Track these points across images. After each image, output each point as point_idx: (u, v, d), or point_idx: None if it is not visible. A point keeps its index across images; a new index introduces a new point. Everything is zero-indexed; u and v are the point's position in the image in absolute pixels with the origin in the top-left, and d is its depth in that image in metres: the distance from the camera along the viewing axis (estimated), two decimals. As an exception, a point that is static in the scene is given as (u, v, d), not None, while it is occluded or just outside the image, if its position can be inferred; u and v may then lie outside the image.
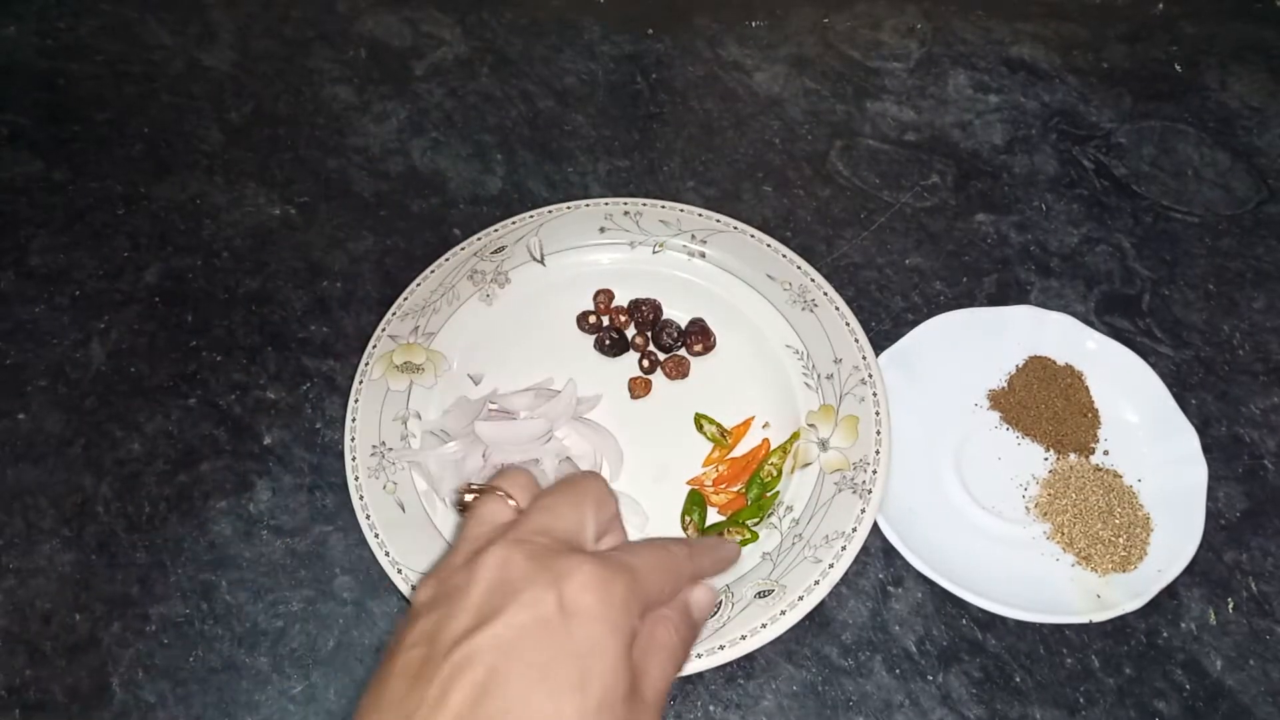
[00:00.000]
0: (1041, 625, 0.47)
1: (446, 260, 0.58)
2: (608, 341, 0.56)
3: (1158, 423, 0.53)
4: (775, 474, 0.51)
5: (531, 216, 0.60)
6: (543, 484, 0.35)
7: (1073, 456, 0.52)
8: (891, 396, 0.51)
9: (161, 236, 0.63)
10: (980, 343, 0.56)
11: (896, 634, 0.47)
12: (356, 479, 0.49)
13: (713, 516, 0.50)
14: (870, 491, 0.47)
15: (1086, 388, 0.55)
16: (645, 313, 0.57)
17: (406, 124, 0.69)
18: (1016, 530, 0.50)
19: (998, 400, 0.55)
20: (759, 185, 0.65)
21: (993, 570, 0.48)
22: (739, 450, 0.52)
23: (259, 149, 0.67)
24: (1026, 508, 0.51)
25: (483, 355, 0.56)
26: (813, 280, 0.56)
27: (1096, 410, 0.54)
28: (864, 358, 0.52)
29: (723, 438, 0.52)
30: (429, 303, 0.57)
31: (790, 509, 0.49)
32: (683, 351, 0.56)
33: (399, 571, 0.46)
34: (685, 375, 0.55)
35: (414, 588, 0.43)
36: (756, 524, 0.49)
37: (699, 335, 0.56)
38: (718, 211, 0.59)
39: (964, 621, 0.47)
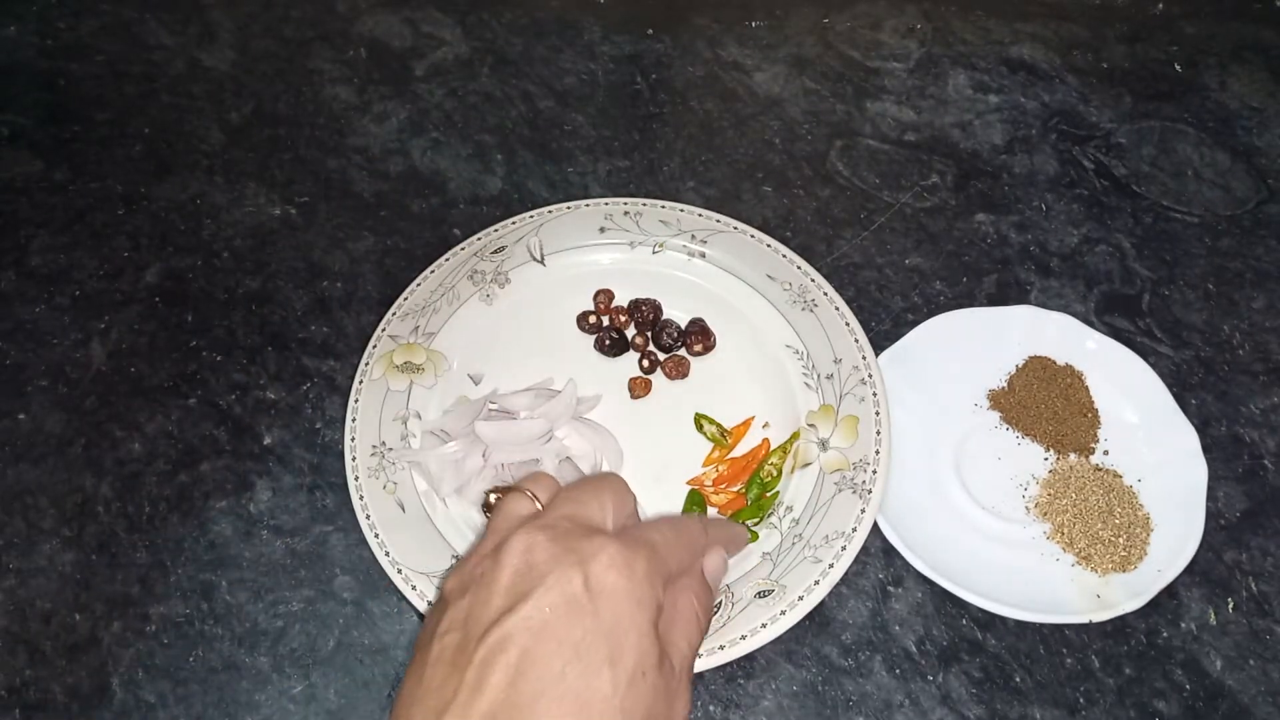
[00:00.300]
0: (1041, 625, 0.47)
1: (446, 260, 0.58)
2: (608, 341, 0.56)
3: (1158, 423, 0.53)
4: (775, 474, 0.51)
5: (531, 216, 0.60)
6: None
7: (1073, 456, 0.52)
8: (891, 396, 0.51)
9: (161, 236, 0.63)
10: (980, 343, 0.56)
11: (896, 634, 0.47)
12: (356, 479, 0.49)
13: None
14: (870, 491, 0.47)
15: (1086, 388, 0.55)
16: (645, 313, 0.57)
17: (406, 124, 0.69)
18: (1016, 530, 0.50)
19: (998, 400, 0.55)
20: (759, 185, 0.65)
21: (992, 570, 0.48)
22: (739, 450, 0.52)
23: (259, 149, 0.67)
24: (1026, 508, 0.51)
25: (483, 355, 0.56)
26: (813, 280, 0.56)
27: (1096, 410, 0.54)
28: (864, 358, 0.52)
29: (723, 438, 0.52)
30: (429, 303, 0.57)
31: (790, 509, 0.49)
32: (683, 351, 0.56)
33: (399, 571, 0.46)
34: (685, 375, 0.55)
35: (442, 578, 0.44)
36: (756, 524, 0.49)
37: (699, 335, 0.56)
38: (718, 211, 0.59)
39: (964, 621, 0.47)
